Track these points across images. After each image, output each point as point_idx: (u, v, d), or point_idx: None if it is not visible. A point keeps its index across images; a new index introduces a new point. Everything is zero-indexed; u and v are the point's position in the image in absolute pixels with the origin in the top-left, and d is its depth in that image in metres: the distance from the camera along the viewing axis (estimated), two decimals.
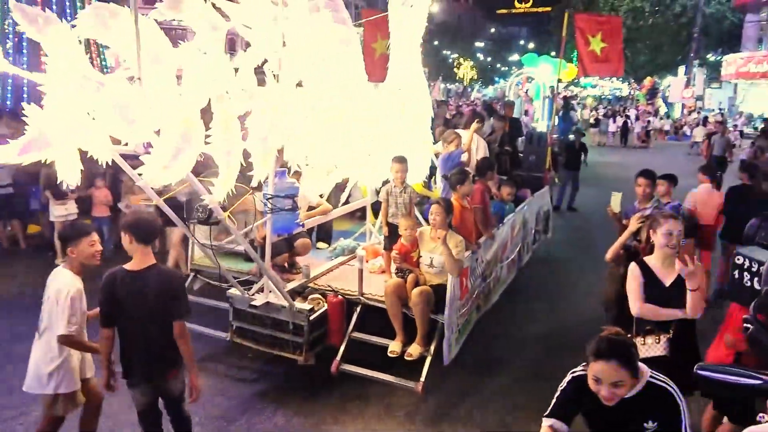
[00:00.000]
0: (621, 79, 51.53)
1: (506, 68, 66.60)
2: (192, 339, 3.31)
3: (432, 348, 4.39)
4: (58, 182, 2.94)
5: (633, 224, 4.33)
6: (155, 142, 2.82)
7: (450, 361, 4.47)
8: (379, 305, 4.60)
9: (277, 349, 4.53)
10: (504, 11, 62.34)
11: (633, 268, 3.44)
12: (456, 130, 6.75)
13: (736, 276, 3.57)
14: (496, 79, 61.29)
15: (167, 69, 2.95)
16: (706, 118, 26.05)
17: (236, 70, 3.56)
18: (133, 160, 3.10)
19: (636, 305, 3.36)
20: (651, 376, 2.29)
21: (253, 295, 4.54)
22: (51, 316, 3.28)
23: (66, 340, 3.27)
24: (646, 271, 3.41)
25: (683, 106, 33.07)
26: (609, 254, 4.41)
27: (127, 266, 3.08)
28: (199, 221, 3.58)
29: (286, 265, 5.22)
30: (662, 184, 5.52)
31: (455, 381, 4.77)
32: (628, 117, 28.07)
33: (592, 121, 27.97)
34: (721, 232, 6.77)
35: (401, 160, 5.27)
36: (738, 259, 3.57)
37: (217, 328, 5.02)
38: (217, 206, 3.48)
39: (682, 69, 35.03)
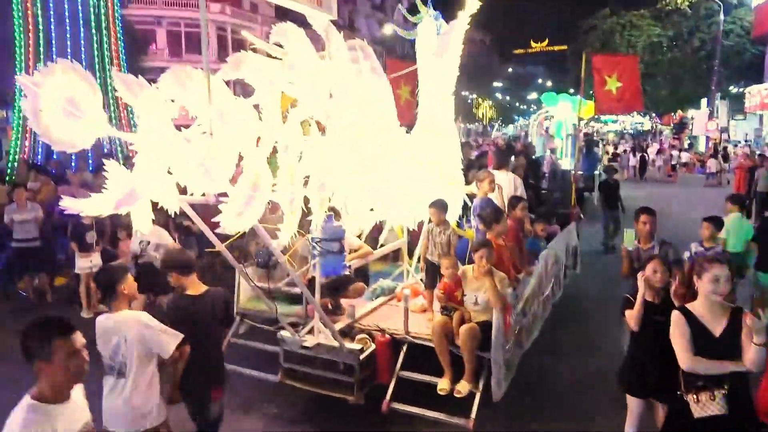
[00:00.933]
0: (642, 113, 51.93)
1: (525, 107, 67.57)
2: (241, 381, 3.65)
3: (480, 385, 4.51)
4: (84, 234, 3.34)
5: (640, 285, 3.81)
6: (230, 192, 3.09)
7: (500, 397, 4.57)
8: (426, 343, 4.75)
9: (327, 389, 4.69)
10: (521, 51, 63.76)
11: (678, 318, 3.25)
12: (489, 170, 7.00)
13: None
14: (516, 117, 62.14)
15: (234, 124, 3.25)
16: (717, 150, 26.43)
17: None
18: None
19: (686, 359, 3.15)
20: None
21: (303, 336, 4.73)
22: (135, 354, 3.40)
23: (181, 354, 3.43)
24: (693, 320, 3.21)
25: (707, 138, 33.09)
26: (632, 323, 3.85)
27: (189, 292, 3.42)
28: (258, 265, 3.82)
29: (329, 306, 5.42)
30: (707, 227, 5.58)
31: (505, 417, 4.85)
32: (645, 152, 29.14)
33: (609, 156, 28.41)
34: (756, 263, 6.84)
35: (435, 204, 5.55)
36: None
37: (265, 370, 5.20)
38: (278, 250, 3.72)
39: (704, 102, 35.18)
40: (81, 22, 13.34)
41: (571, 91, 43.24)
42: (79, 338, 2.44)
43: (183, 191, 3.27)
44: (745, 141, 32.25)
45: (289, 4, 3.85)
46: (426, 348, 4.75)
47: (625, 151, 30.62)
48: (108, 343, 3.49)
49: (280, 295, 5.44)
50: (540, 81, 67.90)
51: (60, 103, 2.66)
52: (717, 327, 3.16)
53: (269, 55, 3.98)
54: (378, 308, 5.67)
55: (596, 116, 42.72)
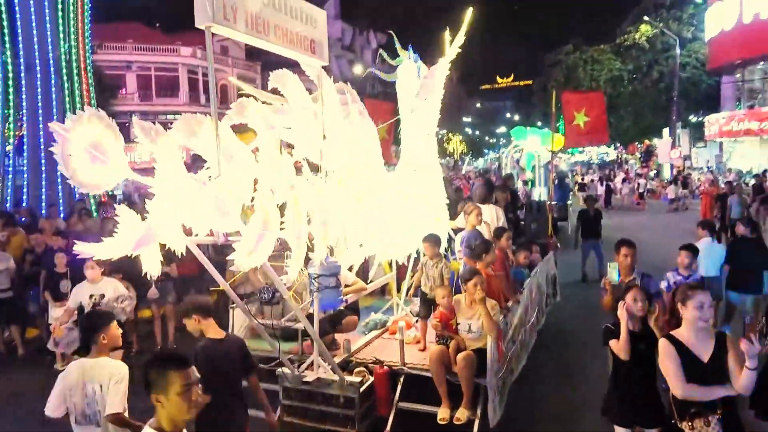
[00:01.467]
0: (607, 144, 53.72)
1: (494, 140, 69.19)
2: None
3: (478, 411, 4.66)
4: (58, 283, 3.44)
5: (622, 315, 3.83)
6: (242, 230, 3.27)
7: (496, 423, 4.72)
8: (422, 373, 4.91)
9: (328, 424, 4.76)
10: (488, 86, 65.66)
11: (666, 347, 3.28)
12: (476, 203, 7.30)
13: None
14: (486, 151, 63.56)
15: (240, 166, 3.45)
16: (676, 178, 27.76)
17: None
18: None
19: (681, 387, 3.18)
20: None
21: (303, 372, 4.84)
22: (105, 400, 3.46)
23: (116, 419, 3.45)
24: (681, 348, 3.25)
25: (672, 166, 34.39)
26: (622, 354, 3.80)
27: (211, 336, 3.60)
28: (262, 301, 3.96)
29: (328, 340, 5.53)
30: (685, 256, 5.70)
31: None
32: (610, 180, 30.85)
33: (577, 185, 29.73)
34: (727, 282, 7.23)
35: (428, 239, 5.87)
36: None
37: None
38: (284, 286, 3.88)
39: (666, 131, 36.69)
40: (52, 69, 13.43)
41: (539, 123, 44.64)
42: (194, 372, 2.46)
43: (188, 233, 3.43)
44: (708, 168, 33.61)
45: (286, 52, 4.08)
46: (422, 378, 4.90)
47: (592, 180, 31.87)
48: (82, 391, 3.51)
49: (274, 334, 5.55)
50: (508, 115, 69.87)
51: (86, 149, 2.85)
52: (705, 353, 3.21)
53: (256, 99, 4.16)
54: (372, 341, 5.81)
55: (564, 149, 44.14)
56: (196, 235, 3.43)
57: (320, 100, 4.50)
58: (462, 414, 4.61)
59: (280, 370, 4.93)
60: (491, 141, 68.10)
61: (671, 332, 3.38)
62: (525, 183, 20.37)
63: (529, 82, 49.73)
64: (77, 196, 14.88)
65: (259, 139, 3.83)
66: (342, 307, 5.18)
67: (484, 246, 5.65)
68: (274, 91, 4.27)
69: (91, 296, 6.16)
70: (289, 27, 4.01)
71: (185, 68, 35.24)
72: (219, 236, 3.33)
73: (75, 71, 14.21)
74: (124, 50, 33.22)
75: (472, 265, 5.44)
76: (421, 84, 6.11)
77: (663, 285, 5.65)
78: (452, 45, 6.15)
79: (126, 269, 8.13)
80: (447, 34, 6.22)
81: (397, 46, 6.55)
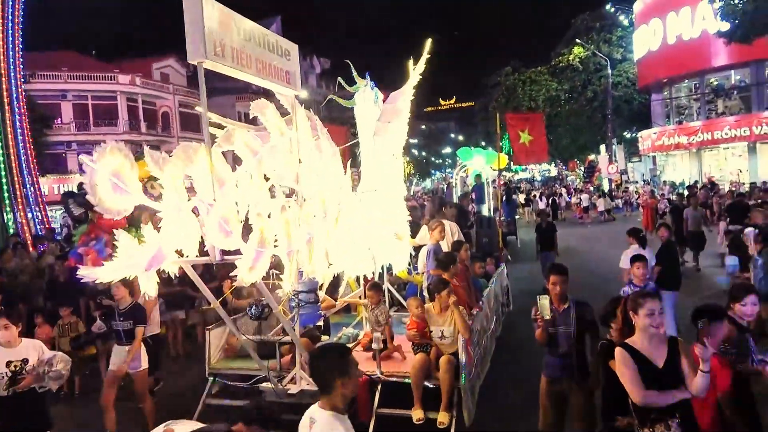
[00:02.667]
0: (549, 161, 56.05)
1: (440, 160, 70.79)
2: None
3: (454, 412, 5.07)
4: None
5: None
6: (243, 249, 3.60)
7: (470, 422, 5.15)
8: (399, 380, 5.30)
9: None
10: (431, 109, 67.37)
11: (622, 355, 3.35)
12: (440, 220, 7.86)
13: None
14: (432, 171, 65.00)
15: (232, 190, 3.80)
16: (604, 192, 29.64)
17: None
18: None
19: (639, 394, 3.25)
20: None
21: (286, 386, 5.12)
22: None
23: None
24: (636, 355, 3.33)
25: (610, 180, 36.25)
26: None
27: None
28: (251, 317, 4.26)
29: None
30: (638, 267, 5.96)
31: None
32: (555, 195, 32.95)
33: (522, 201, 31.42)
34: (657, 281, 7.73)
35: (372, 287, 6.19)
36: None
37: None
38: (274, 302, 4.20)
39: (603, 147, 38.71)
40: None
41: (483, 143, 46.12)
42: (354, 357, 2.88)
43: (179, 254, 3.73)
44: (644, 180, 35.62)
45: (261, 82, 4.48)
46: (398, 384, 5.29)
47: (535, 196, 33.57)
48: None
49: (246, 354, 5.83)
50: (452, 135, 71.82)
51: (109, 178, 3.15)
52: (659, 358, 3.30)
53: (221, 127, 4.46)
54: None
55: (507, 167, 45.81)
56: (187, 256, 3.74)
57: (294, 125, 4.89)
58: (444, 417, 4.99)
59: (263, 385, 5.18)
60: (437, 161, 69.75)
61: (626, 341, 3.47)
62: (472, 200, 21.19)
63: (471, 103, 51.45)
64: (11, 230, 14.57)
65: (245, 165, 4.17)
66: (320, 323, 5.51)
67: (450, 258, 6.10)
68: (253, 121, 4.66)
69: (8, 363, 4.69)
70: (268, 60, 4.46)
71: (124, 96, 34.71)
72: (216, 256, 3.65)
73: (7, 101, 14.07)
74: (59, 79, 32.45)
75: (440, 276, 5.89)
76: (383, 109, 6.57)
77: None
78: (414, 72, 6.61)
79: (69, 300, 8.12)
80: (410, 63, 6.66)
81: (354, 74, 7.03)
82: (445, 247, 7.38)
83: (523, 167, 60.44)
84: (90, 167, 3.15)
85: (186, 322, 9.55)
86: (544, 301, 4.40)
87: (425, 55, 6.63)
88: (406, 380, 5.23)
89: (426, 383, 5.16)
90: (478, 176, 18.32)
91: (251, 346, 4.78)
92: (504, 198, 19.81)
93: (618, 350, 3.40)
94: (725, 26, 20.06)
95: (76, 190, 10.59)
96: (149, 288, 3.65)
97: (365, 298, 6.92)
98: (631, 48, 36.46)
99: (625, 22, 38.20)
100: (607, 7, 38.79)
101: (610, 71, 36.62)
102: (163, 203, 3.45)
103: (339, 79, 7.24)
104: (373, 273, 6.70)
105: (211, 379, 5.88)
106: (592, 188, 33.15)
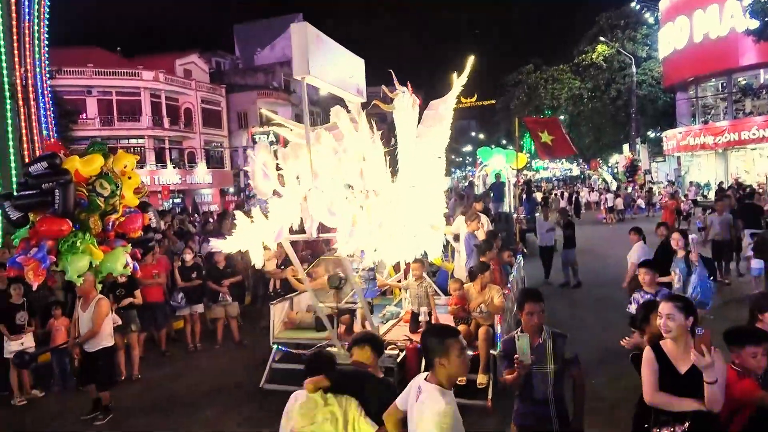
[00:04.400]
0: (570, 160, 56.65)
1: (460, 159, 71.63)
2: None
3: (491, 375, 6.02)
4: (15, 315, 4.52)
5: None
6: (340, 227, 4.85)
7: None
8: None
9: None
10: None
11: (647, 354, 3.48)
12: (476, 212, 9.07)
13: None
14: (453, 170, 65.85)
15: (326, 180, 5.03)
16: (610, 188, 30.54)
17: None
18: None
19: (648, 393, 3.37)
20: None
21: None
22: None
23: None
24: (661, 356, 3.41)
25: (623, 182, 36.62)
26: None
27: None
28: (331, 287, 5.80)
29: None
30: (645, 273, 5.85)
31: (511, 398, 6.31)
32: (577, 194, 33.92)
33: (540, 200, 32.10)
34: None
35: (418, 259, 7.09)
36: None
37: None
38: (352, 274, 5.30)
39: (626, 147, 39.24)
40: (7, 93, 13.93)
41: (503, 142, 46.82)
42: (463, 341, 3.08)
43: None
44: (668, 181, 36.09)
45: (343, 94, 5.82)
46: None
47: (555, 194, 34.60)
48: None
49: (307, 326, 6.80)
50: (473, 134, 72.71)
51: (261, 167, 4.50)
52: (683, 364, 3.32)
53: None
54: (390, 329, 7.18)
55: (528, 165, 46.58)
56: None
57: (360, 128, 5.93)
58: (482, 378, 6.00)
59: (329, 348, 6.20)
60: (457, 160, 70.68)
61: (660, 341, 3.54)
62: (491, 198, 22.06)
63: (492, 101, 52.13)
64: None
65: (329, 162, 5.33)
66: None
67: (488, 244, 7.19)
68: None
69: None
70: (345, 75, 5.76)
71: (147, 92, 36.03)
72: (313, 233, 4.81)
73: (32, 96, 14.65)
74: (84, 75, 33.80)
75: (482, 261, 6.91)
76: (425, 115, 7.56)
77: (632, 308, 5.76)
78: (457, 83, 7.58)
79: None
80: (454, 75, 7.61)
81: (395, 81, 8.03)
82: (480, 235, 8.34)
83: (544, 166, 61.12)
84: (251, 159, 4.63)
85: (205, 317, 10.00)
86: (523, 341, 3.66)
87: (467, 70, 7.58)
88: None
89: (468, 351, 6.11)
90: (498, 175, 19.18)
91: (326, 314, 5.95)
92: (524, 196, 20.76)
93: (646, 349, 3.52)
94: (754, 24, 20.30)
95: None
96: (258, 260, 5.00)
97: (405, 280, 7.95)
98: (656, 46, 37.03)
99: (651, 20, 38.71)
100: (633, 4, 39.27)
101: (634, 69, 37.22)
102: (285, 189, 4.80)
103: (383, 87, 8.21)
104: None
105: (275, 347, 6.90)
106: (634, 187, 32.87)
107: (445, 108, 7.44)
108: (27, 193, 6.61)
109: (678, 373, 3.32)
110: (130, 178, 7.14)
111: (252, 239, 4.74)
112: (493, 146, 41.28)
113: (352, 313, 7.01)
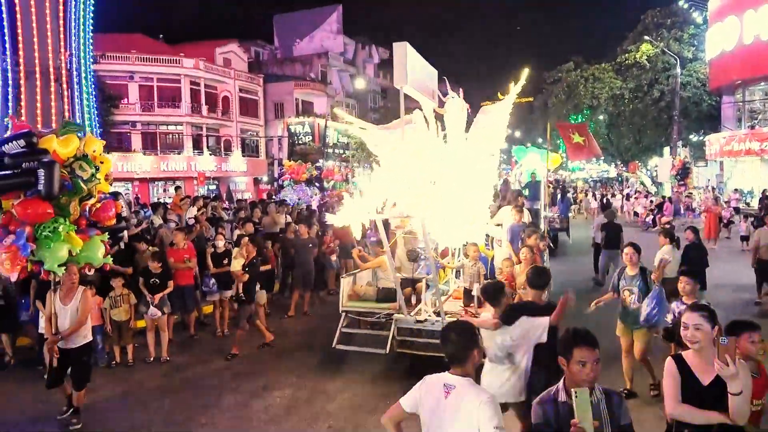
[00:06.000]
0: (607, 161, 55.50)
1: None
2: (357, 356, 7.05)
3: None
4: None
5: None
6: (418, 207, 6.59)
7: None
8: None
9: (431, 352, 6.62)
10: (488, 103, 67.27)
11: (669, 365, 3.37)
12: (520, 206, 11.00)
13: None
14: None
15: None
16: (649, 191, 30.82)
17: None
18: None
19: (670, 405, 3.26)
20: None
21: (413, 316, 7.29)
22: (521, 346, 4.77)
23: None
24: (683, 367, 3.31)
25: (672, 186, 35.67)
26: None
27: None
28: (410, 259, 8.11)
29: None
30: (687, 282, 5.71)
31: None
32: (611, 195, 34.44)
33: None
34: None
35: (473, 244, 8.04)
36: None
37: (374, 347, 7.53)
38: (431, 249, 7.19)
39: (667, 150, 38.18)
40: (52, 77, 14.15)
41: (540, 140, 46.05)
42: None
43: None
44: (711, 187, 34.94)
45: (423, 99, 7.38)
46: None
47: (585, 194, 34.90)
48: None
49: (368, 298, 8.22)
50: (509, 131, 71.60)
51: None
52: (706, 376, 3.21)
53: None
54: (446, 300, 8.07)
55: (563, 165, 45.79)
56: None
57: (431, 127, 7.50)
58: None
59: (396, 315, 7.35)
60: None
61: (681, 352, 3.47)
62: (525, 197, 21.88)
63: (530, 99, 51.29)
64: None
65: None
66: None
67: (532, 232, 8.81)
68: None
69: None
70: (429, 85, 7.49)
71: (188, 79, 36.52)
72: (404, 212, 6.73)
73: (75, 80, 14.84)
74: (127, 60, 34.44)
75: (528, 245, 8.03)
76: (477, 118, 8.34)
77: (669, 318, 5.91)
78: (512, 91, 8.31)
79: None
80: (512, 85, 8.23)
81: (448, 87, 8.65)
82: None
83: (581, 167, 60.01)
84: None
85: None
86: (582, 400, 2.82)
87: (522, 81, 8.40)
88: None
89: None
90: (533, 174, 19.05)
91: (397, 283, 7.33)
92: (559, 196, 20.90)
93: (668, 360, 3.42)
94: None
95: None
96: (358, 233, 6.57)
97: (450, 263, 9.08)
98: (703, 47, 35.84)
99: (699, 20, 37.48)
100: (680, 2, 38.01)
101: (679, 70, 36.09)
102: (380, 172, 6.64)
103: (437, 90, 8.95)
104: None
105: (343, 314, 8.01)
106: (684, 191, 31.72)
107: (497, 112, 8.32)
108: (4, 173, 5.90)
109: (701, 385, 3.22)
110: (102, 162, 6.50)
111: (355, 214, 6.13)
112: (529, 144, 40.76)
113: (414, 284, 8.11)
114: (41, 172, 5.71)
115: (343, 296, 8.08)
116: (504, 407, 4.42)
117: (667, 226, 12.71)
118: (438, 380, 3.18)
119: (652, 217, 25.74)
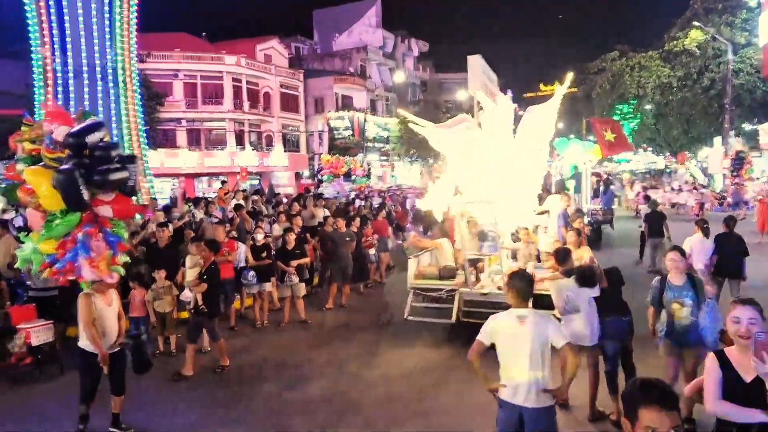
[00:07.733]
0: (655, 152, 53.90)
1: None
2: (425, 326, 8.83)
3: None
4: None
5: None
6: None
7: None
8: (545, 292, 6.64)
9: None
10: (531, 94, 66.21)
11: (710, 361, 3.30)
12: (567, 195, 12.32)
13: None
14: None
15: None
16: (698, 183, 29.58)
17: None
18: None
19: (710, 403, 3.17)
20: None
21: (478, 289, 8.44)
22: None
23: None
24: (725, 363, 3.23)
25: (724, 176, 34.40)
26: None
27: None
28: (481, 240, 9.37)
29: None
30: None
31: None
32: (653, 189, 32.56)
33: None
34: (713, 270, 8.79)
35: (527, 228, 9.31)
36: None
37: (439, 318, 8.69)
38: (498, 232, 8.73)
39: (718, 140, 36.82)
40: (98, 75, 14.68)
41: (584, 131, 45.01)
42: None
43: None
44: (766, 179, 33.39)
45: (486, 102, 8.43)
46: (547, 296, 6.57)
47: (631, 185, 33.96)
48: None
49: (431, 276, 9.07)
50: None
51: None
52: (748, 373, 3.12)
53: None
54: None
55: (609, 157, 44.67)
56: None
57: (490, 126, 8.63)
58: None
59: (461, 289, 8.45)
60: None
61: (723, 348, 3.40)
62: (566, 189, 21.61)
63: (574, 89, 50.15)
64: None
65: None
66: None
67: (576, 216, 10.22)
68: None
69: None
70: (491, 89, 8.23)
71: (230, 76, 37.17)
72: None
73: (121, 78, 15.34)
74: (172, 59, 35.27)
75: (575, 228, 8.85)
76: (524, 117, 9.39)
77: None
78: (558, 93, 9.49)
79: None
80: (557, 85, 8.85)
81: (497, 88, 9.86)
82: (570, 212, 10.90)
83: (628, 159, 58.50)
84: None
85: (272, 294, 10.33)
86: None
87: (567, 83, 9.72)
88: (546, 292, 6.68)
89: None
90: (576, 167, 18.96)
91: (465, 262, 8.56)
92: (602, 188, 20.87)
93: (709, 356, 3.35)
94: None
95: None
96: (439, 215, 8.60)
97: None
98: (756, 32, 34.24)
99: (752, 3, 35.91)
100: None
101: (731, 57, 34.67)
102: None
103: (497, 93, 9.85)
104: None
105: (411, 290, 9.05)
106: (740, 182, 30.43)
107: (543, 110, 9.42)
108: (109, 167, 5.35)
109: (744, 382, 3.14)
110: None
111: (437, 199, 7.94)
112: (572, 136, 39.90)
113: (476, 263, 9.15)
114: (131, 166, 5.54)
115: (411, 274, 9.07)
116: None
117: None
118: (509, 314, 4.13)
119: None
